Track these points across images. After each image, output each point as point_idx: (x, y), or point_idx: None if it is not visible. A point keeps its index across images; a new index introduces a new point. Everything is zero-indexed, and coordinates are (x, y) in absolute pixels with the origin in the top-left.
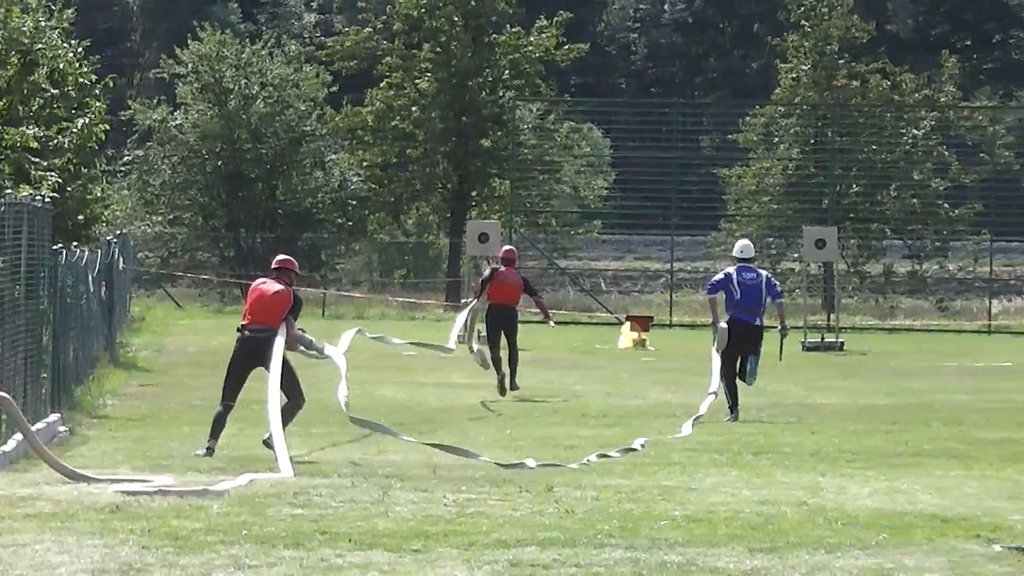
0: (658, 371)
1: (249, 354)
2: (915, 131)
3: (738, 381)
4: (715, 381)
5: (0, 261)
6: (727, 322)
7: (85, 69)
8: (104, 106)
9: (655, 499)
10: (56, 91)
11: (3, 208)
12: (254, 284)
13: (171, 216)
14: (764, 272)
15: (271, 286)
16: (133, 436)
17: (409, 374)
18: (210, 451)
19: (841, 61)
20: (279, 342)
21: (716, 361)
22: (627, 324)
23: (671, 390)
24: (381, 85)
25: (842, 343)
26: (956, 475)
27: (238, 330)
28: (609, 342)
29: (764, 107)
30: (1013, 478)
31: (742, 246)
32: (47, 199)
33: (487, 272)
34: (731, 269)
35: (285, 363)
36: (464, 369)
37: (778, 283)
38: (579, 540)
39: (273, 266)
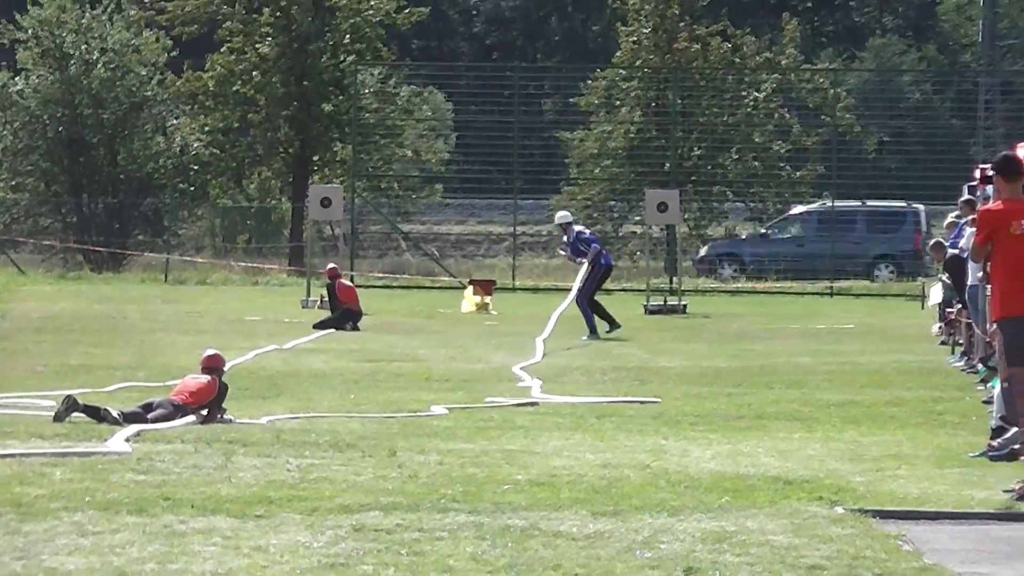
0: (501, 335)
1: None
2: (756, 94)
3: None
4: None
5: None
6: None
7: None
8: None
9: (498, 463)
10: None
11: None
12: None
13: (13, 182)
14: None
15: None
16: None
17: (252, 339)
18: None
19: (682, 24)
20: None
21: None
22: (470, 288)
23: (514, 353)
24: (222, 50)
25: (684, 306)
26: (798, 437)
27: None
28: (452, 306)
29: (605, 70)
30: (855, 440)
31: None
32: None
33: None
34: (581, 227)
35: None
36: (309, 333)
37: None
38: (422, 505)
39: None
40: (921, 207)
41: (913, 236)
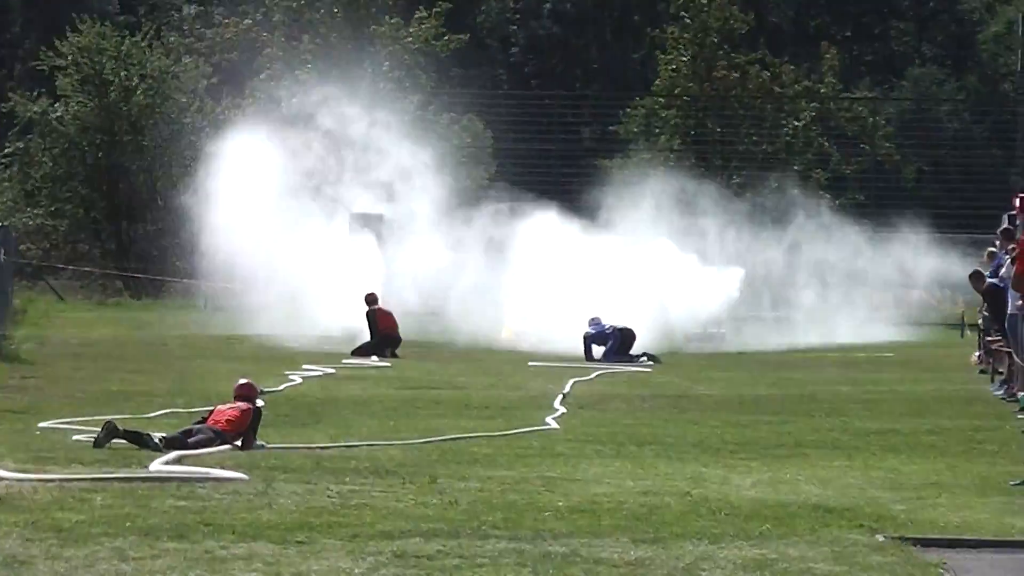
0: (539, 362)
1: None
2: (795, 122)
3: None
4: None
5: None
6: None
7: None
8: None
9: (539, 490)
10: None
11: None
12: None
13: (52, 208)
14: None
15: None
16: (15, 428)
17: (294, 366)
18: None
19: (720, 52)
20: None
21: None
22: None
23: (552, 381)
24: (262, 77)
25: (723, 334)
26: (839, 465)
27: None
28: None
29: (644, 99)
30: (895, 468)
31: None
32: None
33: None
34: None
35: None
36: (348, 360)
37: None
38: (463, 531)
39: None
40: None
41: None
